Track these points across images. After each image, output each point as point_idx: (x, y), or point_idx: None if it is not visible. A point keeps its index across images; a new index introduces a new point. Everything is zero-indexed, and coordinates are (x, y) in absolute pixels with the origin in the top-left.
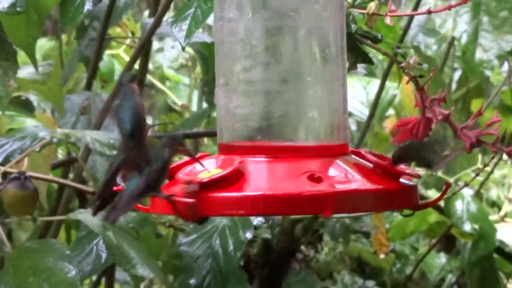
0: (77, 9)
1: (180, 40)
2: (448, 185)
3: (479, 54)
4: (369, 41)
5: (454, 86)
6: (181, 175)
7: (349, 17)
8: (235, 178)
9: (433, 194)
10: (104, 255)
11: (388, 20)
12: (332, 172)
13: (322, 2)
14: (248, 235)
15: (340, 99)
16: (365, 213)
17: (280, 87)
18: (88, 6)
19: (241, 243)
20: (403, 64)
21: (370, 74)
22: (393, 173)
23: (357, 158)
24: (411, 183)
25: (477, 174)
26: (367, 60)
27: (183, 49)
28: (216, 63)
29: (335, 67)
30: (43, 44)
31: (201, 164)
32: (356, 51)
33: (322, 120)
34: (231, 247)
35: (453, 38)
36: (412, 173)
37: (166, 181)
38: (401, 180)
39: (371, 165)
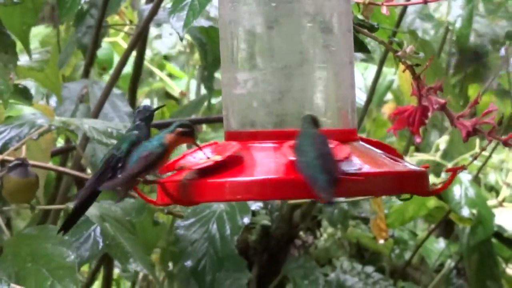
0: (74, 1)
1: (178, 31)
2: (455, 170)
3: (473, 39)
4: (365, 30)
5: (451, 71)
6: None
7: None
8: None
9: (431, 179)
10: (101, 242)
11: (384, 10)
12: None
13: None
14: (246, 220)
15: (348, 84)
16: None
17: (288, 73)
18: None
19: (238, 227)
20: (399, 53)
21: (368, 59)
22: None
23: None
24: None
25: (475, 158)
26: (364, 49)
27: (181, 39)
28: (222, 50)
29: (343, 52)
30: (40, 31)
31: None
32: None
33: (332, 105)
34: (228, 232)
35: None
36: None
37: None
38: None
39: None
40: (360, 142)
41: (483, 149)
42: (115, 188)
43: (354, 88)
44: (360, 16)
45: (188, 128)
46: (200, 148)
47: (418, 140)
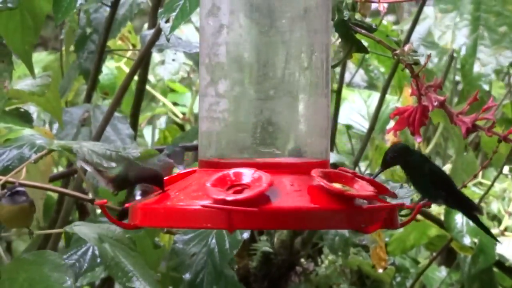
0: (69, 4)
1: (166, 31)
2: (419, 206)
3: (477, 68)
4: (363, 30)
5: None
6: None
7: (342, 4)
8: None
9: (432, 207)
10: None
11: (381, 7)
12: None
13: (309, 18)
14: (245, 235)
15: (324, 117)
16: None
17: (263, 103)
18: (80, 0)
19: (237, 242)
20: (397, 51)
21: (371, 86)
22: (343, 196)
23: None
24: (361, 204)
25: (474, 176)
26: (361, 49)
27: (168, 40)
28: (200, 76)
29: (321, 84)
30: (43, 58)
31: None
32: (351, 40)
33: (309, 137)
34: (227, 246)
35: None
36: (362, 194)
37: None
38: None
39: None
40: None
41: (475, 175)
42: None
43: (329, 120)
44: (357, 16)
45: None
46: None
47: (418, 140)
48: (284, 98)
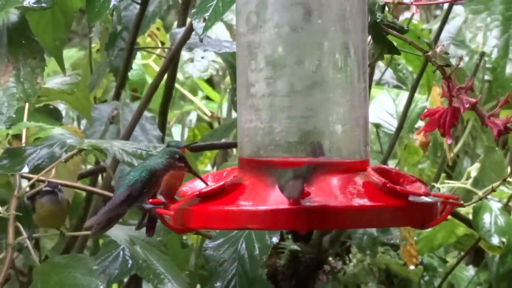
0: (103, 4)
1: (199, 31)
2: (452, 205)
3: (509, 69)
4: (395, 32)
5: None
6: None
7: (374, 6)
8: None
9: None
10: (131, 260)
11: (414, 9)
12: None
13: (344, 18)
14: (275, 239)
15: (361, 116)
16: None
17: (301, 102)
18: (114, 1)
19: (267, 247)
20: (429, 53)
21: (400, 85)
22: (399, 193)
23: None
24: (421, 200)
25: (504, 180)
26: (393, 51)
27: (201, 40)
28: (238, 77)
29: (357, 84)
30: (72, 54)
31: (202, 180)
32: (382, 41)
33: (342, 136)
34: (257, 251)
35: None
36: (419, 192)
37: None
38: (412, 199)
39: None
40: (367, 172)
41: (510, 173)
42: (100, 222)
43: (368, 120)
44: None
45: (179, 155)
46: (199, 177)
47: (449, 141)
48: (323, 97)
